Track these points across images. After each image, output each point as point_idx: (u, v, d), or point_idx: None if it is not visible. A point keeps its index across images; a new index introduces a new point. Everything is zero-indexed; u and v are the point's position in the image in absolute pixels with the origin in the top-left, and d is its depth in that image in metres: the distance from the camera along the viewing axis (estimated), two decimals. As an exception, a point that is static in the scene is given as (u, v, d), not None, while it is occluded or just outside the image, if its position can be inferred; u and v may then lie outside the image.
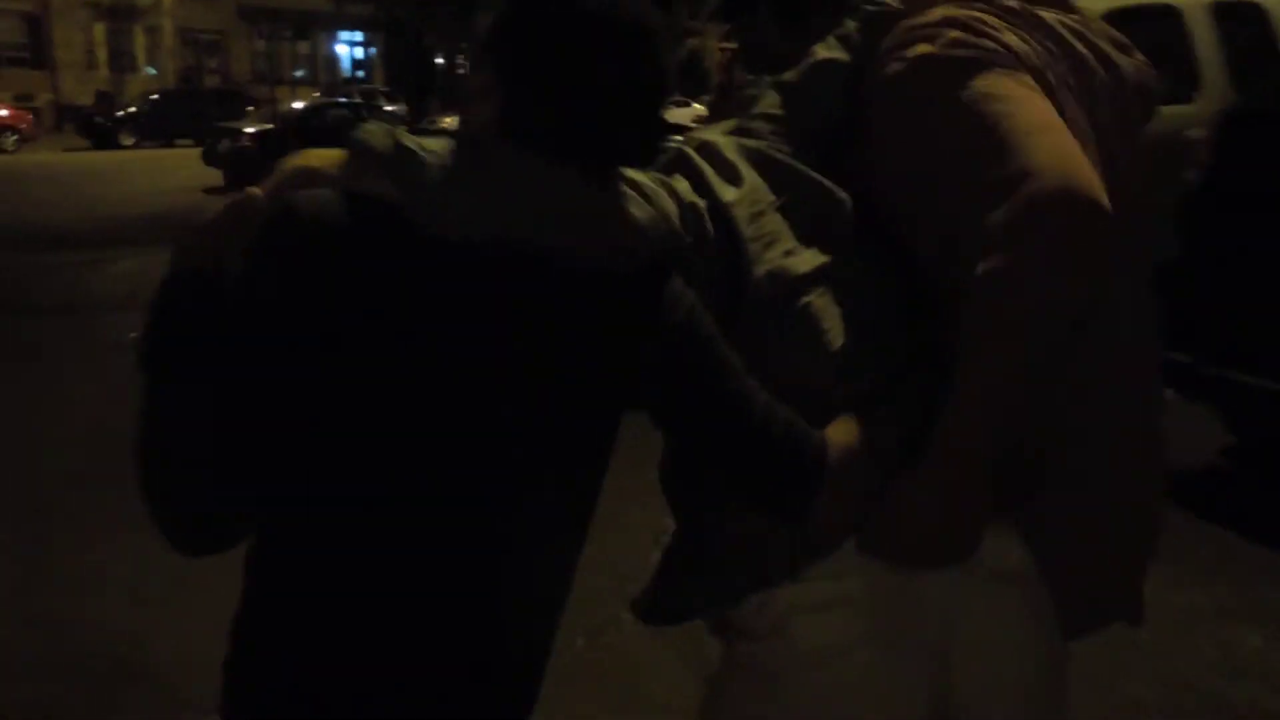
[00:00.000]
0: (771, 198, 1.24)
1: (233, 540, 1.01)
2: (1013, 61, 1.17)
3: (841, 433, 1.11)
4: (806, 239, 1.23)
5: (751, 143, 1.29)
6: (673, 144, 1.30)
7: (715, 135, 1.32)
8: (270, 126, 16.20)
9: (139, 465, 0.96)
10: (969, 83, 1.15)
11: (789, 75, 1.34)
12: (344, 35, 35.89)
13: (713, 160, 1.27)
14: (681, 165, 1.27)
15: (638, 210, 1.05)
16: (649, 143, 1.10)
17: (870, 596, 1.18)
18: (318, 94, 25.67)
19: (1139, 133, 1.33)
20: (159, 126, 25.63)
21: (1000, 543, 1.18)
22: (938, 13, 1.23)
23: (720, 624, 1.30)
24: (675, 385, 1.06)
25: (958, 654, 1.21)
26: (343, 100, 20.55)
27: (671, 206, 1.11)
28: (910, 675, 1.20)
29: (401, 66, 33.45)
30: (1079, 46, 1.26)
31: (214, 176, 15.53)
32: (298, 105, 17.48)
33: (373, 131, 0.99)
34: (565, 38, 0.99)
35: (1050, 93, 1.18)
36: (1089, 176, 1.04)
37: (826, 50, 1.33)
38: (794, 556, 1.18)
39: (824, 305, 1.19)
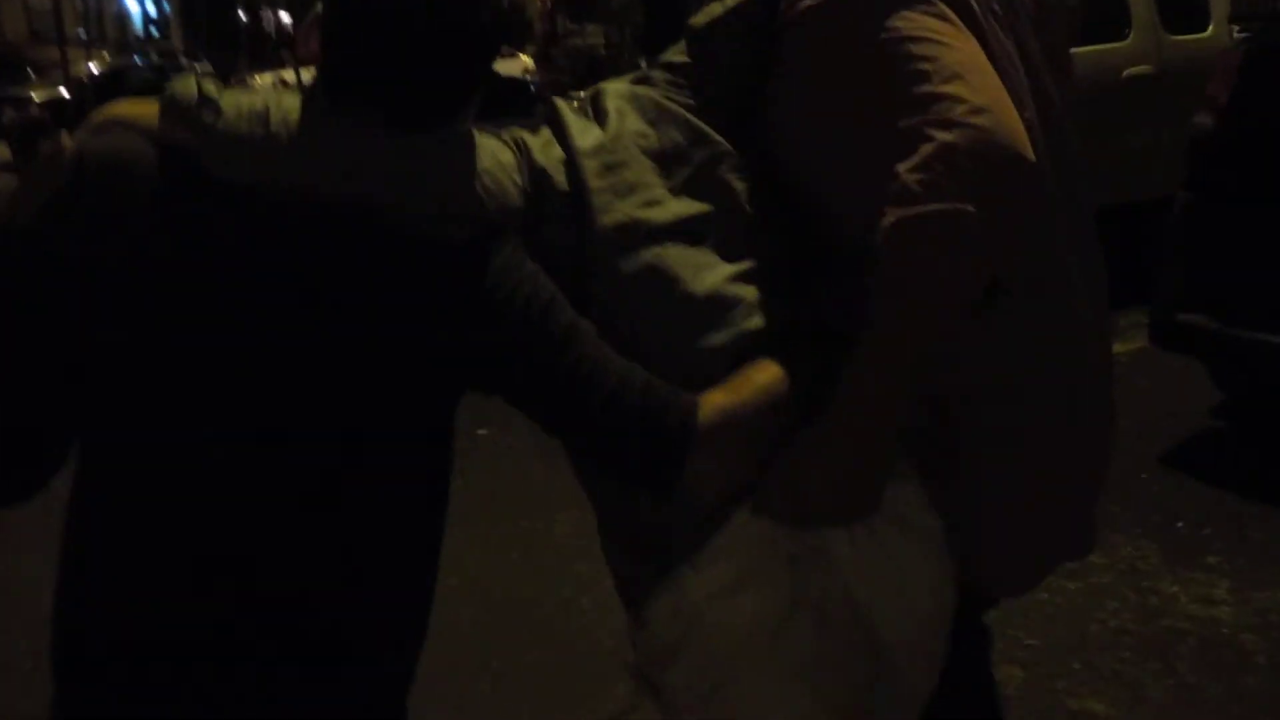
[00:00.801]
0: (646, 144, 1.22)
1: (36, 485, 1.00)
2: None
3: (720, 392, 1.06)
4: (682, 189, 1.20)
5: (644, 90, 1.27)
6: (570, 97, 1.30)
7: (612, 83, 1.31)
8: (63, 93, 14.52)
9: None
10: (889, 20, 1.10)
11: (697, 18, 1.29)
12: (132, -11, 32.93)
13: (588, 109, 1.27)
14: (550, 117, 1.26)
15: (465, 172, 1.02)
16: (467, 92, 1.05)
17: (776, 565, 1.14)
18: (107, 55, 23.35)
19: (1068, 58, 1.31)
20: (-81, 94, 22.82)
21: (901, 493, 1.16)
22: None
23: (638, 666, 1.24)
24: (511, 364, 1.02)
25: (873, 603, 1.16)
26: (145, 62, 18.62)
27: (509, 175, 1.09)
28: (836, 639, 1.15)
29: (201, 22, 31.19)
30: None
31: (-2, 152, 13.78)
32: (93, 68, 15.60)
33: (183, 81, 0.99)
34: None
35: (976, 24, 1.14)
36: (1011, 125, 1.01)
37: None
38: (692, 531, 1.14)
39: (680, 254, 1.16)
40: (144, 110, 1.00)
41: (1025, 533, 1.27)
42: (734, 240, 1.19)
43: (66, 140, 1.01)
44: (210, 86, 0.97)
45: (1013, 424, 1.21)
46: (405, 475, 1.02)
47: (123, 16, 33.24)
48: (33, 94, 14.45)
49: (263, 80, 20.05)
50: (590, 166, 1.19)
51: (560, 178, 1.18)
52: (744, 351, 1.12)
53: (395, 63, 0.97)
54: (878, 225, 1.02)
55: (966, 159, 1.00)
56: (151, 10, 34.78)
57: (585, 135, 1.22)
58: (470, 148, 1.04)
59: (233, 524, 0.97)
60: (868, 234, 1.03)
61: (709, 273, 1.16)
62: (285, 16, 39.66)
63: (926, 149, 1.01)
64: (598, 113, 1.26)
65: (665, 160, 1.22)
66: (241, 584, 0.97)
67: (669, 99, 1.26)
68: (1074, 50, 1.52)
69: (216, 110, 0.96)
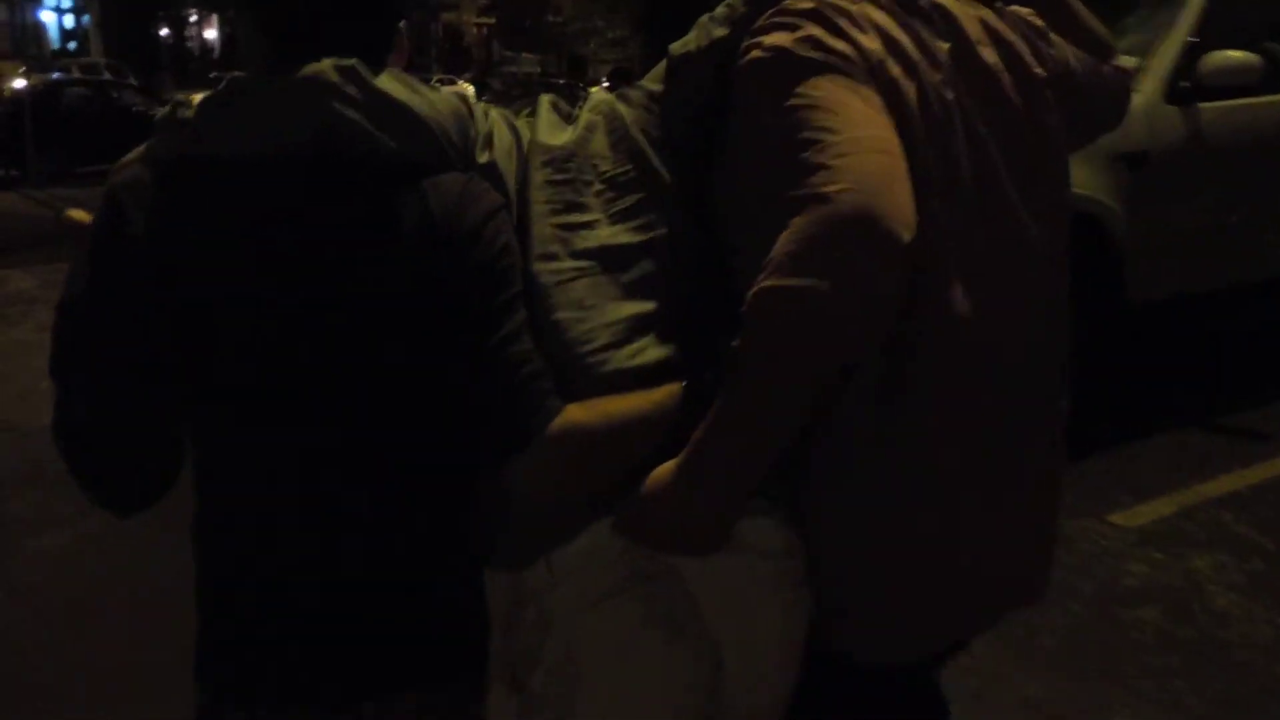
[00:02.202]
0: (602, 166, 1.26)
1: (155, 495, 1.14)
2: (861, 70, 1.14)
3: (582, 409, 1.11)
4: (619, 218, 1.24)
5: (622, 108, 1.31)
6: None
7: (598, 94, 1.35)
8: (-9, 110, 13.74)
9: (60, 442, 1.10)
10: (804, 86, 1.11)
11: (675, 45, 1.31)
12: (49, 1, 31.64)
13: (573, 111, 1.32)
14: (532, 111, 1.32)
15: (406, 98, 1.10)
16: (382, 29, 1.16)
17: (631, 580, 1.18)
18: (23, 69, 22.28)
19: (1066, 147, 1.32)
20: None
21: (758, 524, 1.18)
22: None
23: (503, 672, 1.26)
24: (459, 288, 1.08)
25: (725, 633, 1.20)
26: (78, 77, 17.74)
27: (455, 105, 1.17)
28: (686, 650, 1.19)
29: (124, 37, 30.18)
30: (986, 53, 1.25)
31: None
32: (18, 84, 14.76)
33: (162, 113, 1.14)
34: None
35: (901, 104, 1.14)
36: (892, 204, 1.01)
37: (711, 23, 1.30)
38: (527, 534, 1.19)
39: (590, 283, 1.20)
40: (139, 151, 1.14)
41: (893, 587, 1.24)
42: (650, 281, 1.22)
43: (75, 213, 1.19)
44: (183, 103, 1.15)
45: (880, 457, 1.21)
46: (444, 396, 1.10)
47: (39, 29, 31.91)
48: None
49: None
50: (538, 175, 1.24)
51: (507, 168, 1.23)
52: (622, 383, 1.16)
53: (325, 27, 1.10)
54: (745, 289, 1.04)
55: (830, 234, 0.99)
56: (70, 23, 33.51)
57: (549, 138, 1.28)
58: (420, 85, 1.15)
59: (309, 455, 1.09)
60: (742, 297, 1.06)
61: (611, 306, 1.19)
62: (212, 33, 38.85)
63: (799, 221, 1.01)
64: (575, 119, 1.32)
65: (613, 186, 1.26)
66: (329, 505, 1.10)
67: (637, 124, 1.29)
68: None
69: (186, 108, 1.11)
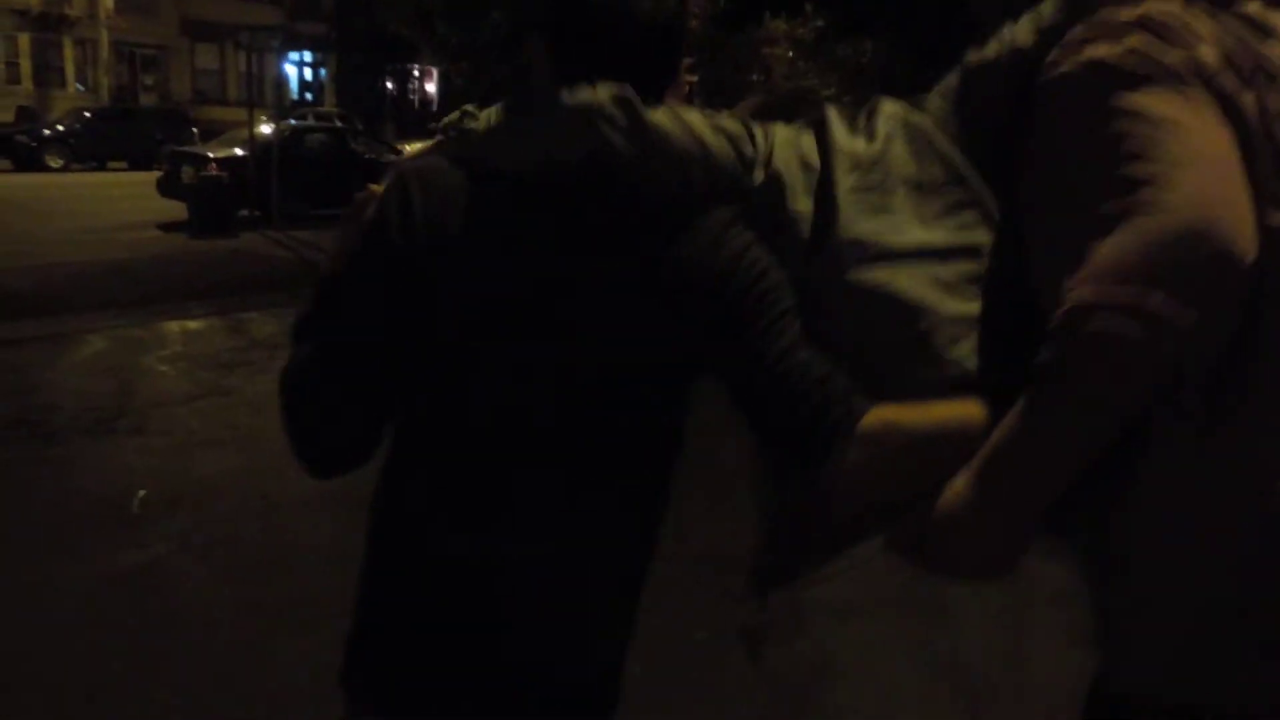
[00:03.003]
0: (906, 172, 1.22)
1: (356, 462, 1.16)
2: (1196, 83, 1.06)
3: (894, 409, 1.07)
4: (930, 221, 1.19)
5: (917, 118, 1.27)
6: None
7: (889, 103, 1.30)
8: (240, 153, 14.12)
9: (285, 398, 1.16)
10: (1130, 100, 1.05)
11: (972, 54, 1.28)
12: (293, 55, 33.85)
13: (860, 121, 1.28)
14: (817, 120, 1.29)
15: (692, 132, 1.15)
16: (667, 82, 1.19)
17: (889, 602, 1.16)
18: (264, 116, 23.60)
19: None
20: (91, 148, 23.26)
21: (1053, 570, 1.14)
22: (1142, 9, 1.12)
23: (751, 638, 1.29)
24: (719, 322, 1.11)
25: (984, 671, 1.17)
26: (321, 124, 18.44)
27: (736, 145, 1.20)
28: (944, 694, 1.17)
29: (357, 90, 31.99)
30: None
31: (169, 209, 13.41)
32: (266, 129, 15.35)
33: (449, 120, 1.25)
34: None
35: (1240, 119, 1.05)
36: (1230, 219, 0.95)
37: (1014, 32, 1.26)
38: (824, 542, 1.18)
39: (910, 281, 1.15)
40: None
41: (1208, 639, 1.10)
42: (966, 284, 1.16)
43: (373, 187, 1.20)
44: (469, 109, 1.25)
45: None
46: (643, 427, 1.16)
47: (281, 82, 34.13)
48: (209, 153, 14.16)
49: (410, 149, 20.14)
50: (845, 181, 1.21)
51: (794, 181, 1.21)
52: (946, 391, 1.10)
53: (615, 57, 1.14)
54: (1056, 302, 0.98)
55: (1161, 248, 0.94)
56: (308, 76, 35.77)
57: (849, 145, 1.24)
58: (692, 117, 1.18)
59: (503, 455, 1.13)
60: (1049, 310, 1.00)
61: (936, 306, 1.14)
62: (431, 88, 40.89)
63: (1124, 234, 0.96)
64: (869, 128, 1.27)
65: (920, 191, 1.21)
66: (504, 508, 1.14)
67: (940, 131, 1.25)
68: None
69: (475, 120, 1.22)
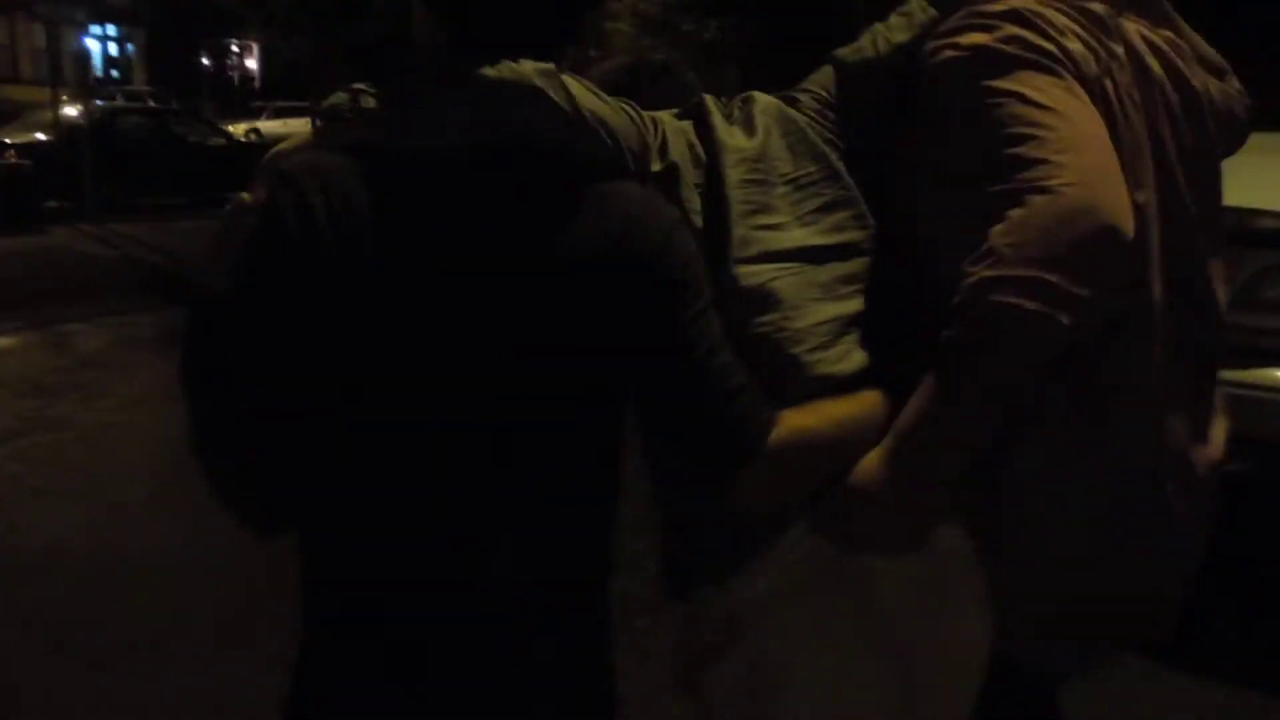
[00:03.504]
0: (783, 169, 1.23)
1: (302, 511, 1.03)
2: (1068, 69, 1.14)
3: (799, 414, 1.06)
4: (807, 220, 1.21)
5: (793, 113, 1.28)
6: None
7: (762, 96, 1.30)
8: (43, 137, 12.67)
9: (200, 456, 1.00)
10: (1015, 83, 1.11)
11: (844, 52, 1.31)
12: (96, 29, 31.06)
13: (734, 113, 1.28)
14: (697, 112, 1.27)
15: (596, 106, 1.15)
16: (566, 31, 1.08)
17: (824, 579, 1.21)
18: (65, 96, 21.50)
19: (1219, 157, 1.31)
20: None
21: (953, 530, 1.20)
22: (1008, 3, 1.19)
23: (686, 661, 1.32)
24: (648, 307, 1.00)
25: (921, 636, 1.32)
26: (135, 105, 16.77)
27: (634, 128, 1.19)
28: (884, 660, 1.27)
29: (169, 67, 29.65)
30: (1152, 62, 1.25)
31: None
32: (72, 111, 13.83)
33: (334, 101, 1.15)
34: None
35: (1105, 102, 1.15)
36: (1113, 200, 1.02)
37: (887, 29, 1.30)
38: (744, 539, 1.19)
39: (791, 284, 1.16)
40: (304, 139, 1.15)
41: (1063, 605, 1.24)
42: (846, 281, 1.19)
43: (244, 195, 1.07)
44: (364, 98, 1.13)
45: (1060, 492, 1.20)
46: (574, 433, 1.02)
47: (83, 58, 31.30)
48: (6, 139, 12.56)
49: (235, 130, 18.86)
50: (733, 175, 1.19)
51: (687, 173, 1.19)
52: (831, 388, 1.13)
53: (520, 22, 1.03)
54: (959, 283, 1.03)
55: (1057, 226, 1.00)
56: (113, 51, 32.97)
57: (732, 139, 1.23)
58: (596, 93, 1.18)
59: (423, 473, 0.99)
60: (946, 288, 1.04)
61: (814, 308, 1.16)
62: (252, 63, 38.40)
63: (1019, 212, 1.02)
64: (747, 121, 1.26)
65: (797, 188, 1.22)
66: (433, 538, 1.00)
67: (811, 127, 1.26)
68: None
69: (367, 94, 1.13)
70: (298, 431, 0.99)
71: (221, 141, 14.85)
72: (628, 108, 1.20)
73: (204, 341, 1.00)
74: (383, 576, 1.01)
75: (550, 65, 1.08)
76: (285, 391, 0.98)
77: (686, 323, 1.00)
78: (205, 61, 34.48)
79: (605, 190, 1.00)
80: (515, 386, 0.98)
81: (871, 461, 1.07)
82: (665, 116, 1.24)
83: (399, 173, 0.97)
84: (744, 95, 1.29)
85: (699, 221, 1.16)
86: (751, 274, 1.14)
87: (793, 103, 1.29)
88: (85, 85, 26.47)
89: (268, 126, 22.85)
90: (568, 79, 1.11)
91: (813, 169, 1.23)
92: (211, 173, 13.16)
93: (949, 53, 1.15)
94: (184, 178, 13.20)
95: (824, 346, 1.14)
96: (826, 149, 1.24)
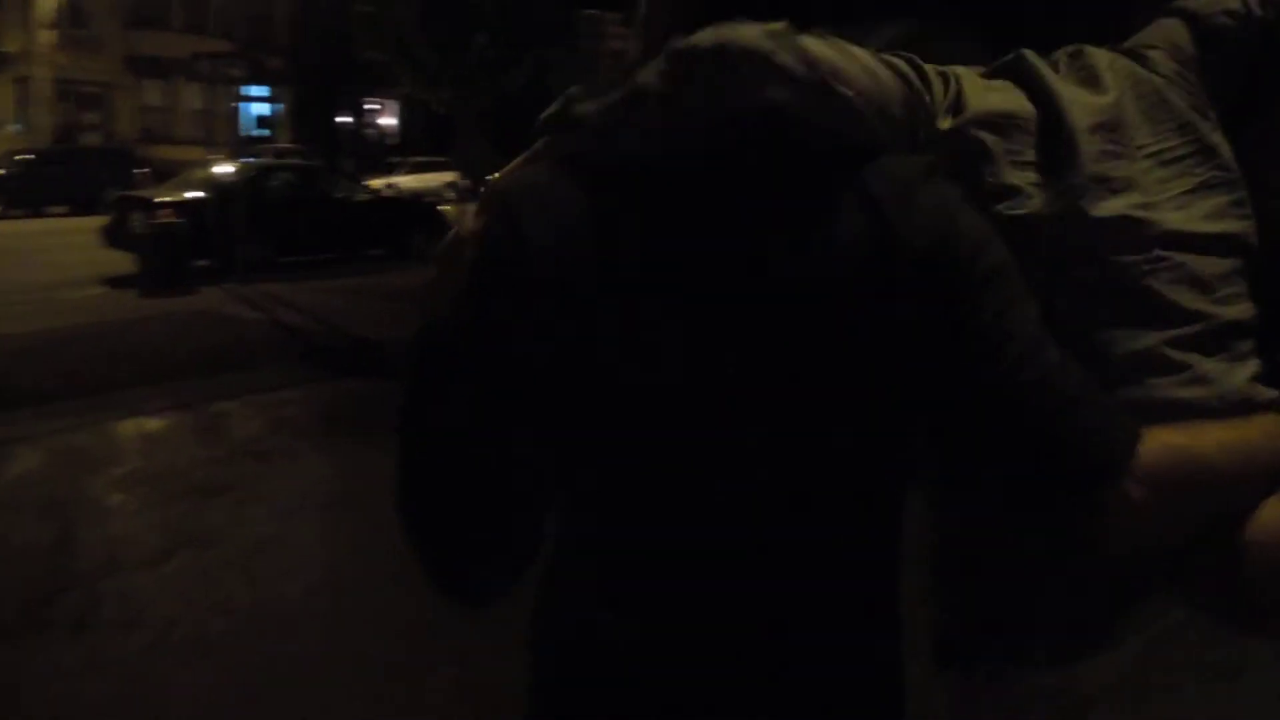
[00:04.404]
0: (1139, 139, 1.00)
1: (514, 580, 0.90)
2: None
3: (1172, 431, 0.85)
4: (1179, 202, 0.98)
5: (1144, 73, 1.03)
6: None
7: (1098, 51, 1.06)
8: (200, 194, 12.50)
9: (407, 515, 0.88)
10: None
11: (1198, 4, 1.06)
12: (251, 88, 32.25)
13: (1063, 68, 1.05)
14: (1018, 65, 1.03)
15: (858, 75, 0.86)
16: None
17: (1188, 674, 0.97)
18: (213, 155, 22.09)
19: None
20: (29, 192, 21.47)
21: None
22: None
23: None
24: (937, 309, 0.81)
25: None
26: (285, 163, 16.91)
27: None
28: None
29: (314, 125, 30.53)
30: None
31: (116, 261, 11.76)
32: (226, 169, 13.79)
33: (552, 111, 0.95)
34: None
35: None
36: None
37: None
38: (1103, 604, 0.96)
39: (1174, 281, 0.96)
40: (519, 160, 0.98)
41: None
42: (1232, 280, 0.98)
43: (464, 224, 0.92)
44: (573, 93, 0.93)
45: None
46: (859, 475, 0.86)
47: (232, 116, 32.54)
48: (162, 197, 12.46)
49: (374, 185, 19.00)
50: (1090, 147, 0.96)
51: (994, 142, 0.96)
52: (1209, 409, 0.93)
53: None
54: None
55: None
56: (265, 110, 34.14)
57: (1075, 99, 1.00)
58: (853, 50, 0.89)
59: (699, 528, 0.87)
60: None
61: (1201, 308, 0.95)
62: (392, 120, 39.45)
63: None
64: (1087, 77, 1.03)
65: (1161, 164, 0.99)
66: (712, 590, 0.87)
67: (1174, 91, 1.02)
68: None
69: (581, 99, 0.91)
70: (533, 476, 0.86)
71: (366, 197, 14.78)
72: (899, 60, 0.94)
73: (428, 381, 0.86)
74: (642, 628, 0.86)
75: (779, 25, 0.82)
76: (521, 433, 0.85)
77: (991, 320, 0.80)
78: (346, 119, 35.50)
79: (864, 176, 0.82)
80: (784, 425, 0.81)
81: (1275, 513, 0.85)
82: (963, 71, 0.99)
83: (620, 184, 0.84)
84: (1071, 49, 1.05)
85: (1025, 203, 0.93)
86: (1135, 266, 0.92)
87: (1142, 60, 1.04)
88: (238, 143, 27.42)
89: (405, 181, 23.12)
90: (806, 40, 0.83)
91: (1176, 143, 0.99)
92: (357, 228, 13.53)
93: None
94: (332, 233, 13.30)
95: (1210, 357, 0.93)
96: (1195, 117, 1.00)
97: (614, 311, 0.82)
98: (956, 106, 0.96)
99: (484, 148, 16.69)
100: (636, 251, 0.83)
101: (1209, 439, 0.87)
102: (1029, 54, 1.03)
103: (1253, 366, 0.96)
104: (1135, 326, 0.94)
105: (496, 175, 0.99)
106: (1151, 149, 1.00)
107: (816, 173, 0.82)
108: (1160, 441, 0.82)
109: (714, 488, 0.84)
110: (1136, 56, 1.05)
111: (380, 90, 36.45)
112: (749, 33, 0.83)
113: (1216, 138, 1.00)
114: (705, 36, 0.83)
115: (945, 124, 0.95)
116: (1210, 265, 0.96)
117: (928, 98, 0.95)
